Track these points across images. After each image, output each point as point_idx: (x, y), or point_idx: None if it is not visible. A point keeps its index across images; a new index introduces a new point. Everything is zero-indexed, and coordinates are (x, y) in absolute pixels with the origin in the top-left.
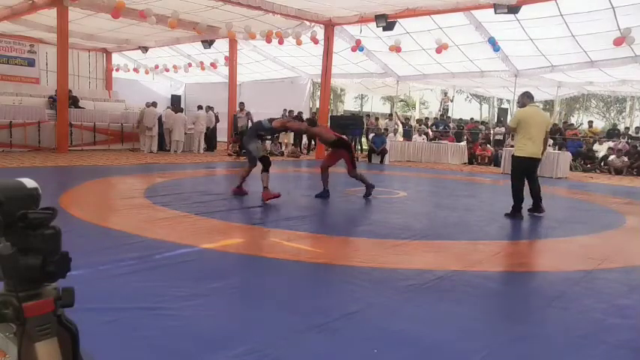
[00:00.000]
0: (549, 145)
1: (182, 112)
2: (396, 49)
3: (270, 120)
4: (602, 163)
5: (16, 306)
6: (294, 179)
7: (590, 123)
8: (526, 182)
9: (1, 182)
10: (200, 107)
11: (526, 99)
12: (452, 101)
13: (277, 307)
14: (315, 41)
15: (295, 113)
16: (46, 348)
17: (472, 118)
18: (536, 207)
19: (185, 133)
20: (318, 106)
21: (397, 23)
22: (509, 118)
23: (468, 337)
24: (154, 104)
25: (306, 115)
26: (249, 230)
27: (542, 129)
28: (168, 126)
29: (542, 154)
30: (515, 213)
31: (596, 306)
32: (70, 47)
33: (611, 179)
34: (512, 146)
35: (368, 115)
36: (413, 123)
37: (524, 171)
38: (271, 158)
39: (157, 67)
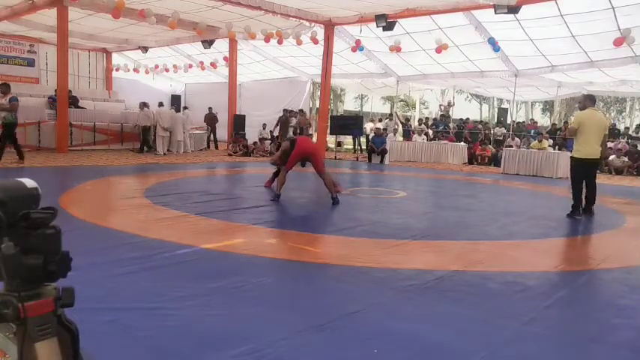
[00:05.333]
0: (549, 145)
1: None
2: (396, 49)
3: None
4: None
5: (15, 306)
6: (293, 179)
7: None
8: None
9: (2, 182)
10: (185, 107)
11: (587, 102)
12: (453, 105)
13: (277, 307)
14: (315, 41)
15: (296, 111)
16: (46, 348)
17: (468, 118)
18: (588, 209)
19: (183, 133)
20: (318, 106)
21: (397, 23)
22: (509, 118)
23: (468, 337)
24: (161, 104)
25: (306, 113)
26: (249, 230)
27: (600, 131)
28: (169, 126)
29: (601, 156)
30: (574, 213)
31: (596, 306)
32: (70, 47)
33: (611, 179)
34: (510, 146)
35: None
36: (413, 123)
37: (582, 172)
38: (272, 158)
39: (157, 67)
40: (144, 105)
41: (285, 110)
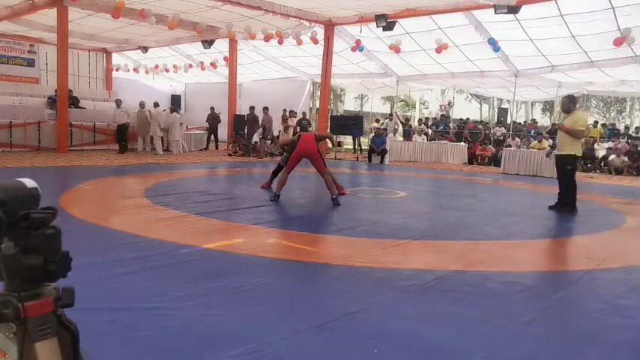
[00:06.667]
0: (549, 146)
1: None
2: (395, 49)
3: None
4: (602, 163)
5: (15, 306)
6: (293, 179)
7: (596, 123)
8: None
9: (2, 182)
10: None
11: (572, 105)
12: (453, 105)
13: (277, 307)
14: (315, 41)
15: (296, 113)
16: (46, 348)
17: (468, 118)
18: (560, 206)
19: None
20: (318, 106)
21: (397, 23)
22: (509, 118)
23: (468, 337)
24: (156, 105)
25: (304, 115)
26: (249, 230)
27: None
28: (166, 126)
29: None
30: (573, 209)
31: (596, 306)
32: (70, 47)
33: (611, 179)
34: (509, 146)
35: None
36: (413, 124)
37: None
38: (271, 158)
39: (157, 67)
40: (120, 102)
41: (251, 108)
